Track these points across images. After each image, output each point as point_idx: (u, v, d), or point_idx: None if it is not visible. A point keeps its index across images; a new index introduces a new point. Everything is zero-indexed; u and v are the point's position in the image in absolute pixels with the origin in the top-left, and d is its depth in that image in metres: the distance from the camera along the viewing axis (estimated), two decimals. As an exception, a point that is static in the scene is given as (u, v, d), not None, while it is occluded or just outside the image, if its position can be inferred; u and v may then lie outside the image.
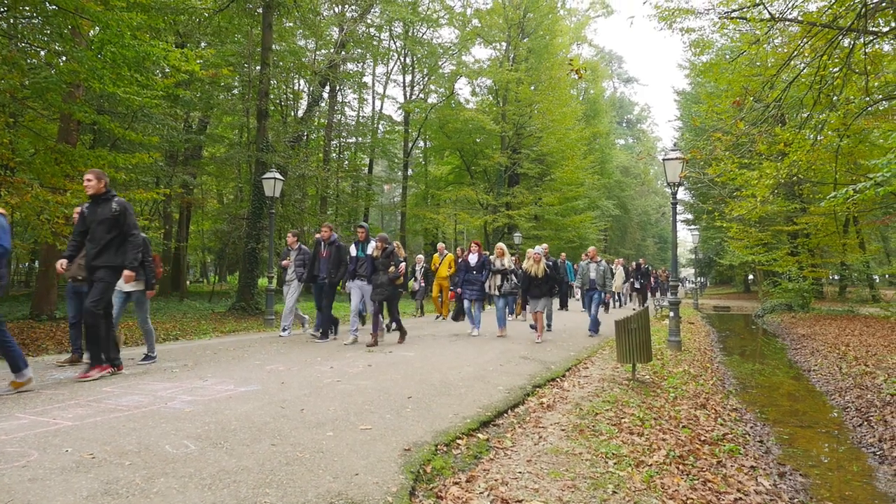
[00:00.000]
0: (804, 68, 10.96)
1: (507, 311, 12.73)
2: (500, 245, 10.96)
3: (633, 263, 22.72)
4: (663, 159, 10.88)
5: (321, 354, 8.43)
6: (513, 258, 12.11)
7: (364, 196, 31.46)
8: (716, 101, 17.57)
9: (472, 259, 11.11)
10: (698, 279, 47.24)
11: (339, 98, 28.89)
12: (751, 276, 47.82)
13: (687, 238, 63.32)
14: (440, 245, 14.89)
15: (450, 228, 33.63)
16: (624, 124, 69.42)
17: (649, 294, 26.43)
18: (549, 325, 12.11)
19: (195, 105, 19.25)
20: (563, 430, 5.19)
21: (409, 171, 36.55)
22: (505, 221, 28.96)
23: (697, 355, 11.50)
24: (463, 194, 30.45)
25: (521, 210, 28.98)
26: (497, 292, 10.80)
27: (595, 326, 11.82)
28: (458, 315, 13.04)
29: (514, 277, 10.85)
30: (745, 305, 32.17)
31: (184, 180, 18.00)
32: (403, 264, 9.48)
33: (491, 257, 11.22)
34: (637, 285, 21.87)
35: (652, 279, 29.37)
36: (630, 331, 7.50)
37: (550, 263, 11.07)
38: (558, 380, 7.49)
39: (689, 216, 42.18)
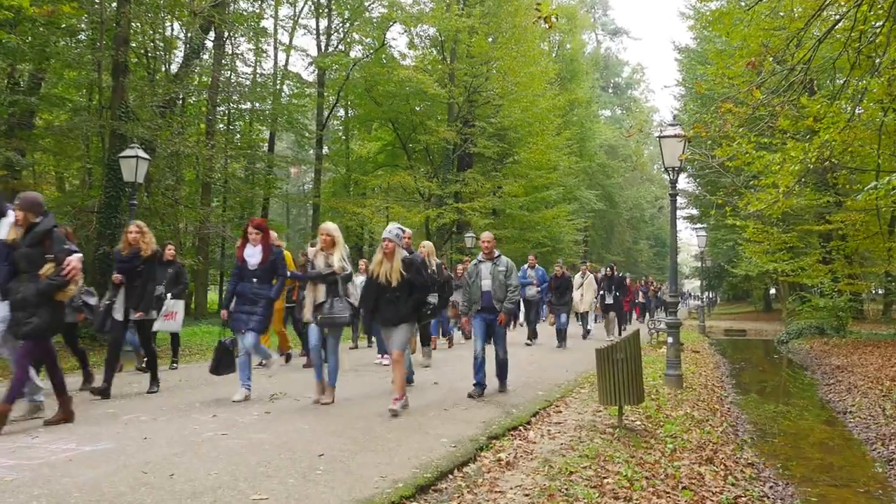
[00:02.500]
0: (839, 20, 11.39)
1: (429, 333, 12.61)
2: (427, 243, 10.57)
3: (603, 269, 21.25)
4: (659, 137, 11.12)
5: (202, 398, 8.28)
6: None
7: (263, 182, 31.16)
8: (727, 61, 18.14)
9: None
10: (705, 294, 48.50)
11: (229, 49, 28.55)
12: (773, 291, 49.48)
13: (691, 241, 65.02)
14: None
15: (380, 226, 33.59)
16: (610, 90, 70.92)
17: (632, 314, 26.55)
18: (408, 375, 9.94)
19: (24, 54, 18.66)
20: (526, 495, 5.23)
21: (325, 150, 36.50)
22: (453, 217, 29.17)
23: (703, 394, 11.78)
24: (397, 181, 30.52)
25: (475, 202, 29.22)
26: (311, 318, 8.32)
27: (502, 377, 9.70)
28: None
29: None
30: (764, 328, 33.22)
31: (7, 158, 17.36)
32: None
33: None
34: (609, 300, 19.63)
35: (639, 293, 29.63)
36: (615, 362, 7.62)
37: (430, 265, 9.98)
38: (522, 428, 7.55)
39: (694, 211, 43.30)
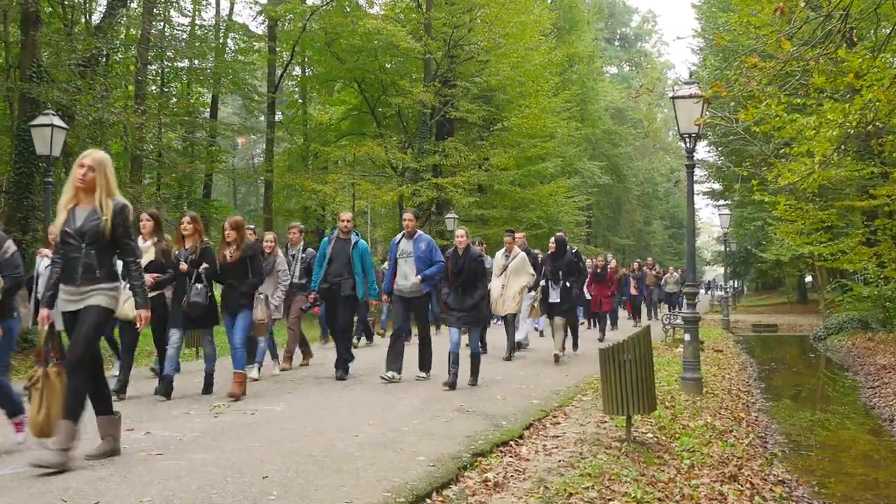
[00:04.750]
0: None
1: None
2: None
3: (552, 244, 14.37)
4: (672, 97, 11.15)
5: (134, 412, 8.29)
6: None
7: (204, 155, 31.02)
8: (752, 6, 18.15)
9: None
10: (731, 283, 48.81)
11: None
12: (808, 279, 49.80)
13: (713, 220, 65.31)
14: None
15: (344, 206, 33.54)
16: (617, 43, 71.12)
17: (615, 312, 23.46)
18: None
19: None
20: (518, 522, 5.28)
21: (279, 116, 36.39)
22: (431, 195, 29.11)
23: (727, 400, 11.90)
24: (365, 152, 30.38)
25: (457, 177, 29.18)
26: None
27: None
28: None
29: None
30: (799, 322, 33.51)
31: None
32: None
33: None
34: (553, 296, 14.13)
35: (627, 282, 25.91)
36: (621, 365, 7.68)
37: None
38: (513, 443, 7.64)
39: (717, 186, 43.48)
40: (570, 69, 42.90)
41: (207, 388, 9.92)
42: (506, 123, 31.45)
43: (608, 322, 21.63)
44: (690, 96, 11.25)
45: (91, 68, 19.99)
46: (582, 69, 46.09)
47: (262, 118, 35.56)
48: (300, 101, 37.41)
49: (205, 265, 9.52)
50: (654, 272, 29.93)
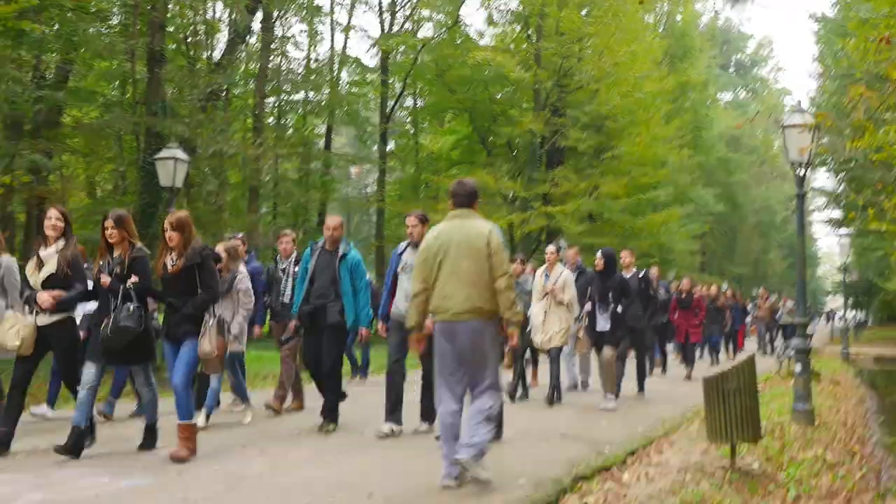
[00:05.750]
0: None
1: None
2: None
3: (598, 260, 11.90)
4: (783, 126, 11.09)
5: (250, 431, 8.60)
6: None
7: (318, 184, 31.84)
8: (870, 32, 17.80)
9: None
10: (852, 313, 47.37)
11: (279, 31, 29.34)
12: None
13: (835, 249, 63.52)
14: None
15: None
16: (732, 69, 69.98)
17: (712, 345, 21.71)
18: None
19: (50, 44, 19.54)
20: (617, 545, 5.38)
21: (391, 146, 37.11)
22: (542, 223, 29.24)
23: (841, 433, 11.65)
24: (476, 180, 30.72)
25: (567, 205, 29.22)
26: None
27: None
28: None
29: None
30: (927, 356, 32.34)
31: (32, 161, 18.17)
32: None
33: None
34: (603, 323, 11.85)
35: (709, 305, 21.47)
36: (726, 394, 7.68)
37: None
38: (615, 468, 7.70)
39: (836, 213, 42.31)
40: (683, 96, 42.52)
41: (147, 443, 7.80)
42: (616, 152, 31.39)
43: (697, 355, 19.18)
44: (799, 125, 11.15)
45: (212, 103, 20.86)
46: (695, 96, 45.60)
47: (375, 148, 36.28)
48: (412, 130, 38.04)
49: (134, 278, 7.34)
50: (767, 304, 28.69)
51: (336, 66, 32.90)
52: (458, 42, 32.30)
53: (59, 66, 22.79)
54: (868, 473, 9.60)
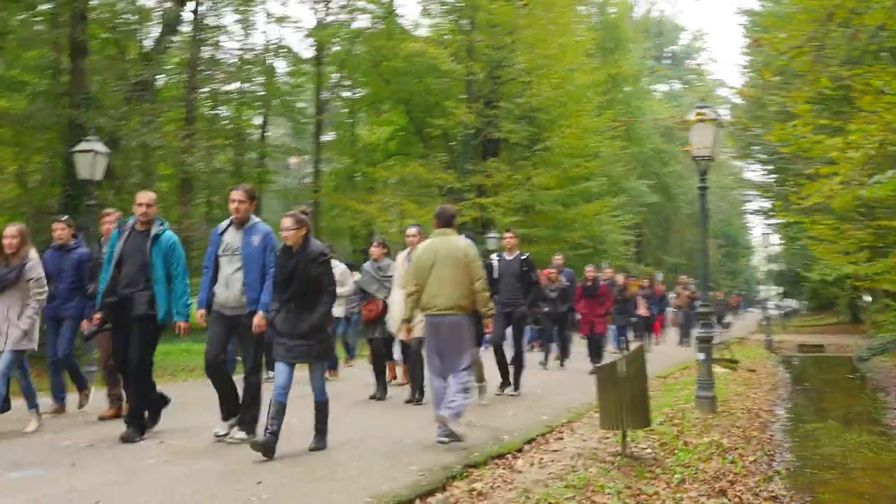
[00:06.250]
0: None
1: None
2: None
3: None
4: (684, 121, 11.40)
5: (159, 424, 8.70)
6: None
7: (254, 176, 31.70)
8: (784, 27, 18.21)
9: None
10: (773, 303, 48.31)
11: (212, 21, 29.09)
12: (868, 298, 49.04)
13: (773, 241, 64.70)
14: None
15: (389, 224, 33.92)
16: (667, 61, 70.78)
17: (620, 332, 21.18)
18: None
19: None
20: (490, 527, 5.60)
21: (328, 136, 37.03)
22: (475, 215, 29.49)
23: (743, 419, 12.03)
24: (409, 172, 30.89)
25: (500, 196, 29.51)
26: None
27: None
28: None
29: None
30: (847, 343, 33.14)
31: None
32: None
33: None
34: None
35: (634, 302, 22.43)
36: (616, 381, 7.96)
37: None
38: (511, 456, 7.90)
39: (766, 203, 43.16)
40: (616, 88, 43.00)
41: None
42: (548, 143, 31.70)
43: (601, 346, 17.60)
44: (704, 120, 11.48)
45: (138, 94, 20.70)
46: (629, 89, 46.14)
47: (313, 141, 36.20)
48: (349, 120, 38.01)
49: None
50: (687, 292, 27.26)
51: (271, 57, 32.75)
52: (393, 34, 32.33)
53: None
54: (761, 458, 9.97)
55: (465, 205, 28.81)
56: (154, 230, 8.09)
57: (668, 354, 21.39)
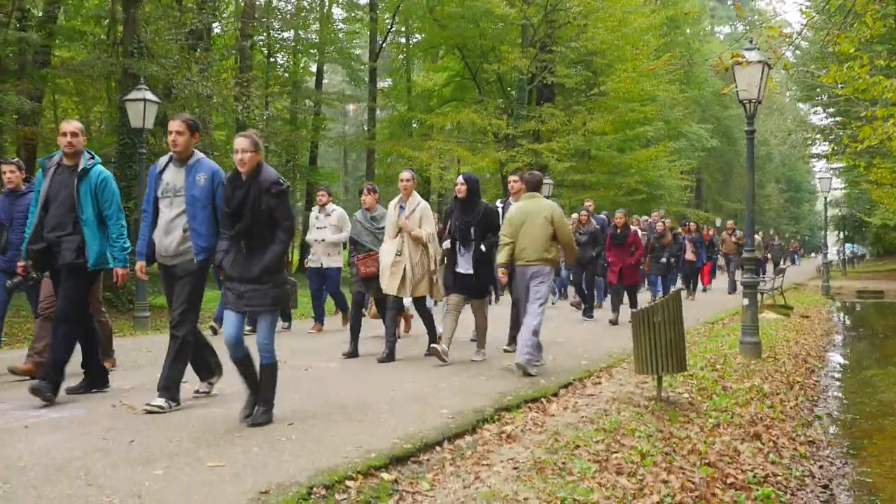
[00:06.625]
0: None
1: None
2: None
3: (459, 185, 10.06)
4: (730, 62, 11.16)
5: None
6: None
7: (309, 124, 31.89)
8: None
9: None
10: (844, 248, 47.45)
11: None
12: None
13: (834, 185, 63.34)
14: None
15: (444, 171, 33.91)
16: (729, 1, 69.16)
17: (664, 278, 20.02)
18: None
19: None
20: (515, 468, 5.67)
21: (383, 83, 37.08)
22: (528, 160, 29.31)
23: (788, 365, 11.94)
24: (462, 118, 30.78)
25: (554, 142, 29.30)
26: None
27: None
28: None
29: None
30: (909, 289, 32.63)
31: (9, 102, 18.12)
32: None
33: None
34: (462, 258, 10.00)
35: (681, 243, 21.59)
36: (652, 326, 7.94)
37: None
38: (545, 400, 7.96)
39: (826, 147, 42.29)
40: (676, 30, 42.23)
41: None
42: (603, 88, 31.37)
43: (629, 299, 15.56)
44: (751, 62, 11.25)
45: (191, 42, 20.87)
46: (689, 31, 45.29)
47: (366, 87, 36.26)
48: (405, 66, 37.97)
49: None
50: (733, 238, 25.66)
51: (327, 5, 32.74)
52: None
53: (48, 7, 22.89)
54: (802, 403, 9.92)
55: (519, 151, 28.69)
56: (82, 164, 7.17)
57: (717, 301, 21.22)
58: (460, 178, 10.07)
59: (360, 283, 10.46)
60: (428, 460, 5.81)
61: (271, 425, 6.23)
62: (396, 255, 9.74)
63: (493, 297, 16.82)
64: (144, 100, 13.81)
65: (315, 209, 13.20)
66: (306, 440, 5.83)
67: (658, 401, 8.10)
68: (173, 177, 6.92)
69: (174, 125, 6.84)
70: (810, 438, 8.32)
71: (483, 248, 9.74)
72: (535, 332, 9.08)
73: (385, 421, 6.54)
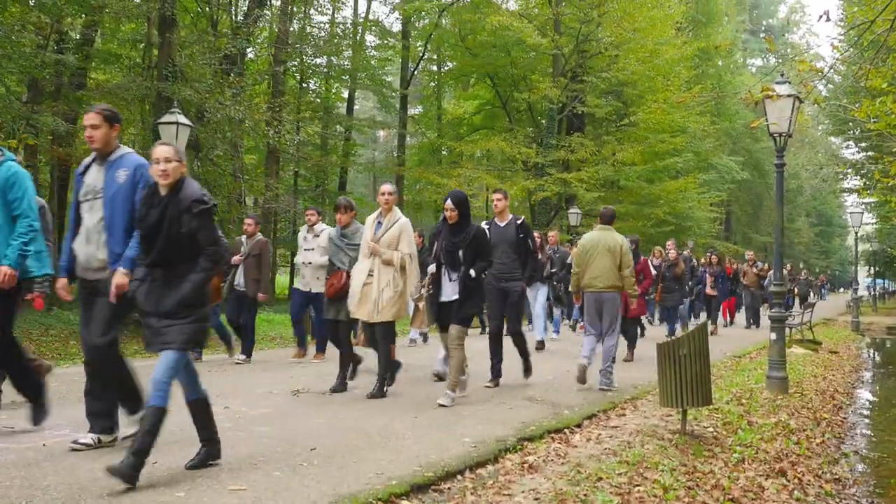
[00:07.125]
0: None
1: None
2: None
3: (447, 206, 8.85)
4: (760, 96, 11.13)
5: (223, 387, 8.96)
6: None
7: (339, 150, 32.09)
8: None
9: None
10: (875, 283, 47.06)
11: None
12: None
13: (866, 220, 62.97)
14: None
15: (473, 199, 34.00)
16: (762, 34, 69.07)
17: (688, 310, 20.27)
18: None
19: (68, 8, 19.83)
20: (537, 499, 5.64)
21: (414, 111, 37.28)
22: (557, 189, 29.34)
23: (815, 400, 11.81)
24: (491, 146, 30.90)
25: (583, 171, 29.32)
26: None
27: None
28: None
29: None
30: (940, 326, 32.25)
31: (44, 124, 18.38)
32: None
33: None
34: (448, 285, 8.91)
35: (701, 276, 21.94)
36: (678, 359, 7.89)
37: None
38: (567, 431, 7.91)
39: (857, 181, 42.04)
40: (707, 62, 42.18)
41: None
42: (633, 118, 31.38)
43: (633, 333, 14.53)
44: (782, 95, 11.22)
45: (225, 67, 21.09)
46: (722, 64, 45.21)
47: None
48: (436, 93, 38.18)
49: None
50: (755, 269, 24.20)
51: (359, 32, 33.02)
52: (479, 7, 32.23)
53: (86, 30, 23.26)
54: (829, 440, 9.79)
55: (548, 180, 28.74)
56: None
57: (743, 335, 21.03)
58: (449, 203, 8.68)
59: (329, 304, 9.53)
60: (449, 489, 5.78)
61: (296, 450, 6.23)
62: (369, 275, 8.78)
63: (482, 328, 16.44)
64: (177, 123, 13.95)
65: (303, 229, 12.43)
66: (329, 465, 5.83)
67: (682, 434, 8.03)
68: (94, 177, 6.01)
69: (88, 118, 5.92)
70: (836, 476, 8.21)
71: (472, 273, 8.55)
72: (614, 358, 10.70)
73: (407, 448, 6.53)
